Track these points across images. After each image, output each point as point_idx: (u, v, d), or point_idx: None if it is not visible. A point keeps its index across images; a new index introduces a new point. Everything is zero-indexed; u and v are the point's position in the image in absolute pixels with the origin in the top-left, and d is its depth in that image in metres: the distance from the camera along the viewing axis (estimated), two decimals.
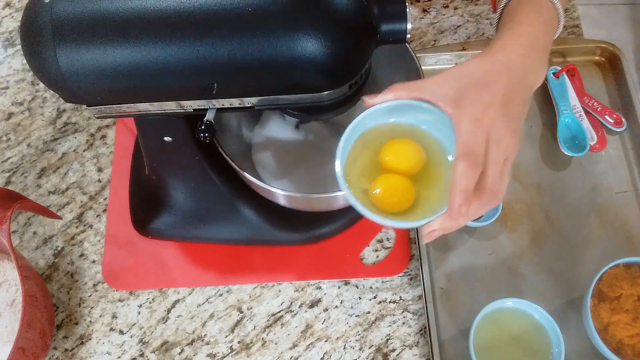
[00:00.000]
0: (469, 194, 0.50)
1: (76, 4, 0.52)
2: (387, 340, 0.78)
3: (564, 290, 0.78)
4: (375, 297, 0.80)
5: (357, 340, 0.78)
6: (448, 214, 0.51)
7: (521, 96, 0.54)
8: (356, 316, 0.79)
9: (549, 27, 0.57)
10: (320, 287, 0.81)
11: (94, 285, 0.82)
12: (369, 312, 0.79)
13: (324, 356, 0.77)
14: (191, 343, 0.78)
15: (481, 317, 0.72)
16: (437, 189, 0.55)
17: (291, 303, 0.80)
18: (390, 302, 0.80)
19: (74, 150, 0.90)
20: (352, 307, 0.79)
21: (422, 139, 0.56)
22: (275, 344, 0.78)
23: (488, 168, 0.51)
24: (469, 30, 0.96)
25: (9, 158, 0.90)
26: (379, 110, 0.55)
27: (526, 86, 0.54)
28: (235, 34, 0.51)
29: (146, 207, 0.83)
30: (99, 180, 0.88)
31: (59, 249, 0.84)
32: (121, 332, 0.79)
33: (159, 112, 0.60)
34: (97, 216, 0.86)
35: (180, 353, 0.78)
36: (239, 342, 0.78)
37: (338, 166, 0.53)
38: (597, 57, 0.93)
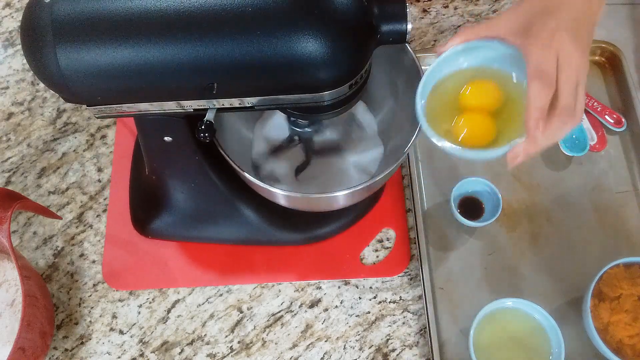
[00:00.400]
0: (544, 112, 0.52)
1: (76, 4, 0.52)
2: (387, 340, 0.78)
3: (564, 290, 0.78)
4: (375, 297, 0.80)
5: (357, 340, 0.78)
6: (527, 135, 0.52)
7: (586, 23, 0.55)
8: (356, 316, 0.79)
9: None
10: (320, 287, 0.81)
11: (94, 285, 0.82)
12: (369, 312, 0.79)
13: (324, 356, 0.77)
14: (191, 343, 0.78)
15: (481, 317, 0.72)
16: (516, 122, 0.56)
17: (291, 303, 0.80)
18: (390, 302, 0.80)
19: (74, 150, 0.90)
20: (352, 307, 0.79)
21: (497, 77, 0.58)
22: (275, 344, 0.78)
23: (561, 87, 0.52)
24: None
25: (9, 158, 0.90)
26: (451, 55, 0.57)
27: (590, 14, 0.55)
28: (235, 34, 0.51)
29: (146, 207, 0.83)
30: (99, 180, 0.88)
31: (59, 249, 0.84)
32: (121, 332, 0.79)
33: (159, 112, 0.60)
34: (97, 216, 0.86)
35: (180, 353, 0.78)
36: (239, 342, 0.78)
37: (419, 109, 0.57)
38: (597, 57, 0.93)
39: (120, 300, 0.81)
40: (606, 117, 0.87)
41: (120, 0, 0.52)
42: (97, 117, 0.61)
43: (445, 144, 0.56)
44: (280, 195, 0.67)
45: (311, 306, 0.80)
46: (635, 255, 0.74)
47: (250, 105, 0.58)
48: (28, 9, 0.53)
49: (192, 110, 0.59)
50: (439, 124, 0.58)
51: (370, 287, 0.81)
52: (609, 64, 0.92)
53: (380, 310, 0.79)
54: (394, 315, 0.79)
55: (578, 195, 0.84)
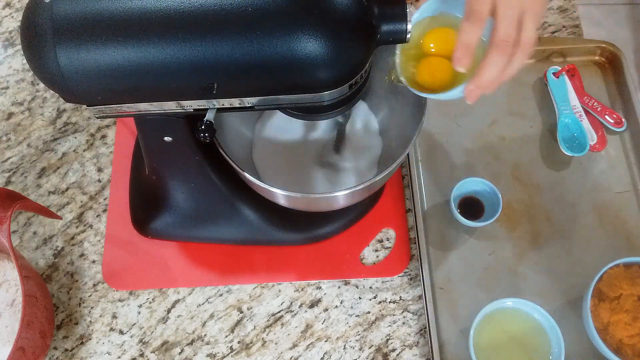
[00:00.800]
0: (469, 48, 0.54)
1: (76, 3, 0.52)
2: (387, 340, 0.78)
3: (564, 290, 0.78)
4: (375, 297, 0.80)
5: (357, 340, 0.78)
6: (454, 65, 0.55)
7: None
8: (356, 316, 0.79)
9: None
10: (320, 287, 0.81)
11: (94, 285, 0.82)
12: (369, 312, 0.79)
13: (324, 356, 0.77)
14: (191, 343, 0.78)
15: (481, 317, 0.72)
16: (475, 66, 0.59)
17: (291, 303, 0.80)
18: (390, 302, 0.80)
19: (74, 150, 0.90)
20: (352, 307, 0.79)
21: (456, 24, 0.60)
22: (275, 344, 0.78)
23: (498, 21, 0.53)
24: None
25: (9, 158, 0.90)
26: (425, 7, 0.61)
27: None
28: (235, 34, 0.51)
29: (146, 207, 0.83)
30: (99, 180, 0.88)
31: (59, 249, 0.84)
32: (121, 332, 0.79)
33: (159, 112, 0.60)
34: (97, 216, 0.86)
35: (180, 353, 0.78)
36: (239, 342, 0.78)
37: (397, 57, 0.62)
38: (597, 57, 0.93)
39: (120, 300, 0.81)
40: (606, 117, 0.87)
41: (120, 0, 0.52)
42: (97, 117, 0.61)
43: (411, 89, 0.60)
44: (280, 195, 0.67)
45: (311, 306, 0.80)
46: (635, 255, 0.74)
47: (250, 105, 0.58)
48: (28, 9, 0.53)
49: (192, 110, 0.59)
50: (406, 66, 0.62)
51: (370, 287, 0.81)
52: (609, 64, 0.92)
53: (380, 310, 0.79)
54: (394, 315, 0.79)
55: (578, 195, 0.84)
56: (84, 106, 0.59)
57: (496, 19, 0.53)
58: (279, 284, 0.81)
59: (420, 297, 0.79)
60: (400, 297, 0.80)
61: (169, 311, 0.80)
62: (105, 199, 0.87)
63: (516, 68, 0.55)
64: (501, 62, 0.54)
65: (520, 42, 0.54)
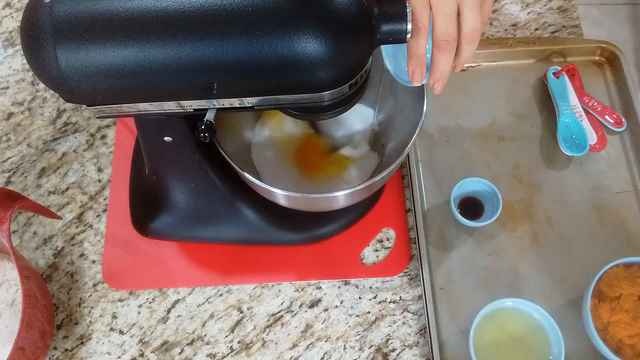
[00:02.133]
0: (419, 59, 0.55)
1: (76, 4, 0.52)
2: (387, 340, 0.78)
3: (564, 290, 0.78)
4: (375, 297, 0.80)
5: (357, 340, 0.78)
6: (412, 81, 0.57)
7: None
8: (356, 316, 0.79)
9: None
10: (320, 287, 0.81)
11: (94, 285, 0.82)
12: (369, 312, 0.79)
13: (324, 356, 0.77)
14: (191, 343, 0.78)
15: (481, 317, 0.72)
16: None
17: (291, 303, 0.80)
18: (390, 302, 0.80)
19: (74, 150, 0.90)
20: (352, 307, 0.79)
21: None
22: (275, 344, 0.78)
23: (433, 21, 0.54)
24: None
25: (9, 158, 0.90)
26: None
27: None
28: (235, 34, 0.51)
29: (146, 207, 0.83)
30: (99, 180, 0.88)
31: (59, 249, 0.84)
32: (121, 332, 0.79)
33: (159, 112, 0.59)
34: (97, 216, 0.86)
35: (180, 353, 0.78)
36: (239, 342, 0.78)
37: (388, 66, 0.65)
38: (597, 57, 0.93)
39: (120, 300, 0.81)
40: (606, 117, 0.87)
41: (121, 0, 0.52)
42: (97, 117, 0.61)
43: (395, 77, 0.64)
44: (280, 195, 0.67)
45: (311, 306, 0.80)
46: (635, 255, 0.74)
47: (250, 105, 0.58)
48: (28, 9, 0.53)
49: (192, 110, 0.59)
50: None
51: (370, 287, 0.81)
52: (609, 64, 0.92)
53: (380, 310, 0.79)
54: (394, 315, 0.79)
55: (578, 195, 0.84)
56: (84, 106, 0.59)
57: (433, 18, 0.53)
58: (279, 284, 0.81)
59: (420, 297, 0.79)
60: (400, 297, 0.80)
61: (169, 311, 0.80)
62: (105, 199, 0.87)
63: (468, 57, 0.55)
64: (447, 60, 0.54)
65: (462, 34, 0.54)
